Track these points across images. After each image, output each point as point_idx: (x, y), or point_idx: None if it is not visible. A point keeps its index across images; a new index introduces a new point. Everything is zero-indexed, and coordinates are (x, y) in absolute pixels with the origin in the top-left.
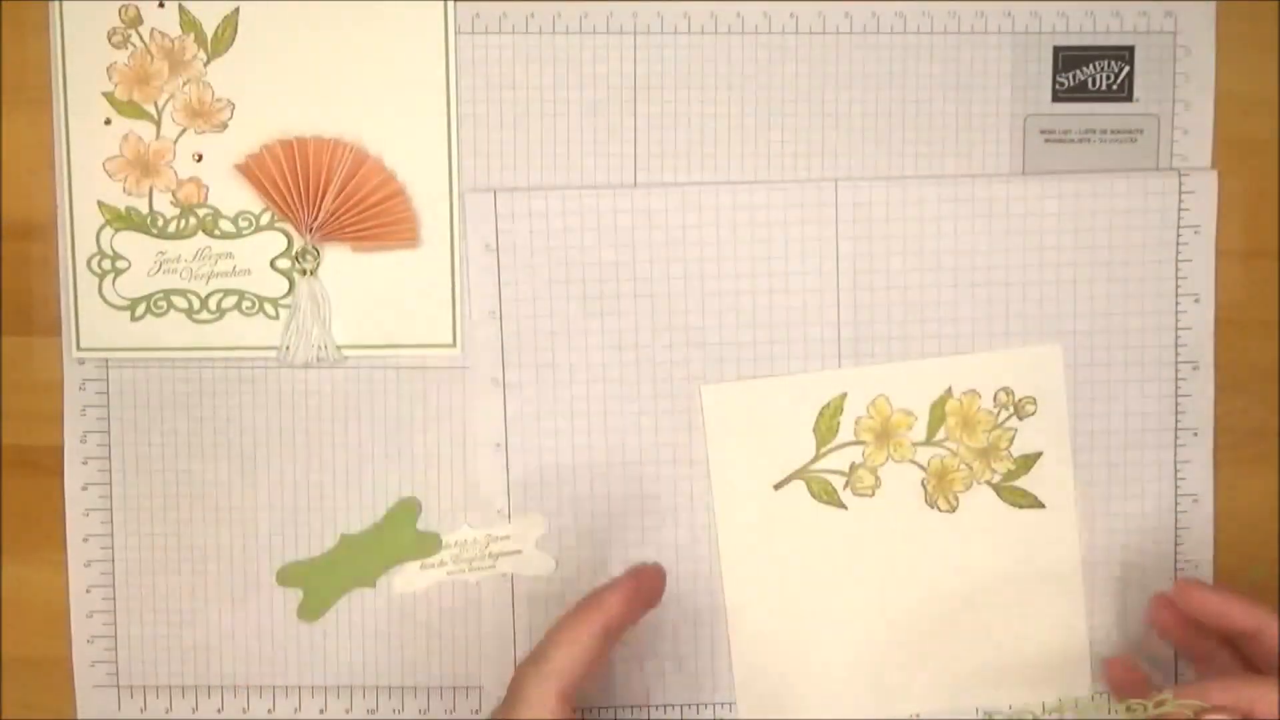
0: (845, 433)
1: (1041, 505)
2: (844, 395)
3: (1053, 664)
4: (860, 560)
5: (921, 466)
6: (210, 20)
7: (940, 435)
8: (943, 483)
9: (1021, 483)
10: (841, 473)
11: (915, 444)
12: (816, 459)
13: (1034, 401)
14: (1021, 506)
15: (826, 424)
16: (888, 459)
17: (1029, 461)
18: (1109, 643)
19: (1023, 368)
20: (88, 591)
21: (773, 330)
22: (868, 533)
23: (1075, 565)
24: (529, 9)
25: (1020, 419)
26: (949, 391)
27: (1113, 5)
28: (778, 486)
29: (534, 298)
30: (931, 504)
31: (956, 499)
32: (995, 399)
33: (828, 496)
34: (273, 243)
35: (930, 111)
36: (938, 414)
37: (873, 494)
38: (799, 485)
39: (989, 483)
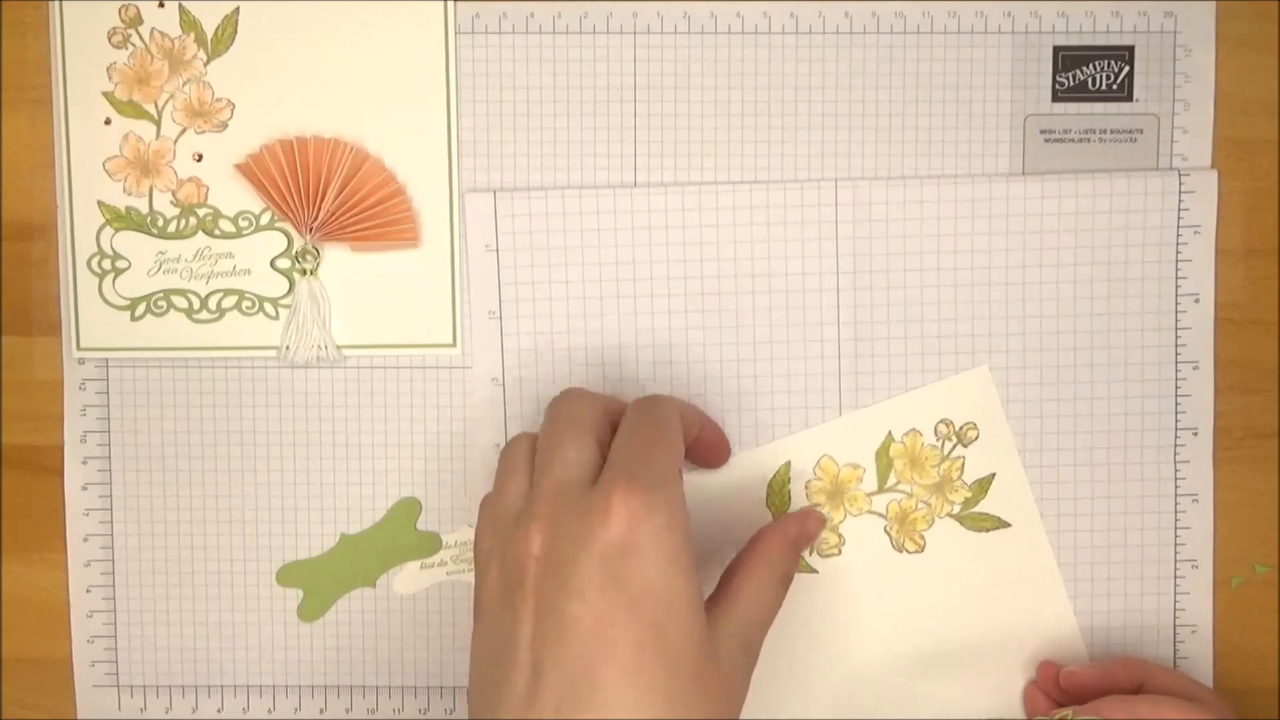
0: (798, 499)
1: (1007, 524)
2: (787, 464)
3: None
4: (839, 618)
5: (881, 515)
6: (210, 20)
7: (891, 480)
8: (905, 525)
9: (982, 507)
10: None
11: (869, 494)
12: None
13: (975, 426)
14: (988, 530)
15: (778, 495)
16: (846, 515)
17: (984, 485)
18: (1107, 644)
19: (955, 396)
20: (88, 591)
21: (772, 313)
22: (843, 591)
23: (1054, 572)
24: (529, 9)
25: (965, 446)
26: (890, 436)
27: (1113, 5)
28: None
29: (534, 298)
30: (899, 548)
31: (923, 538)
32: (936, 432)
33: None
34: (273, 243)
35: (930, 111)
36: (884, 460)
37: (839, 552)
38: None
39: (950, 515)
